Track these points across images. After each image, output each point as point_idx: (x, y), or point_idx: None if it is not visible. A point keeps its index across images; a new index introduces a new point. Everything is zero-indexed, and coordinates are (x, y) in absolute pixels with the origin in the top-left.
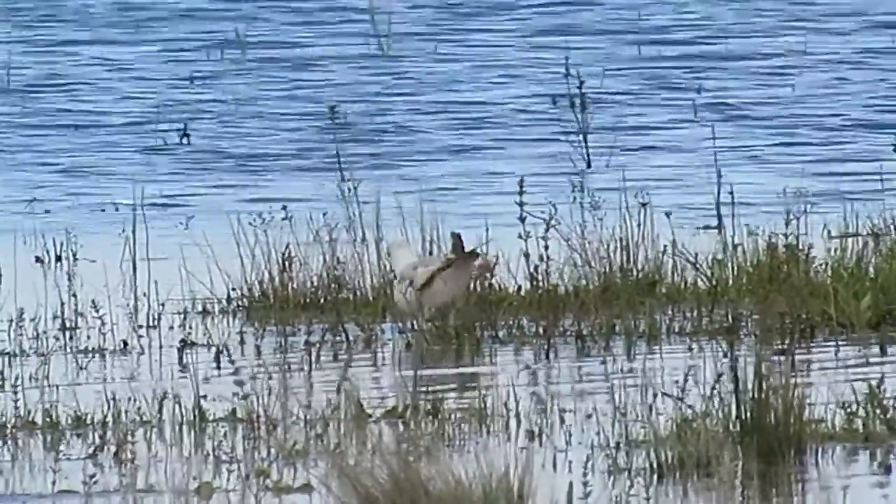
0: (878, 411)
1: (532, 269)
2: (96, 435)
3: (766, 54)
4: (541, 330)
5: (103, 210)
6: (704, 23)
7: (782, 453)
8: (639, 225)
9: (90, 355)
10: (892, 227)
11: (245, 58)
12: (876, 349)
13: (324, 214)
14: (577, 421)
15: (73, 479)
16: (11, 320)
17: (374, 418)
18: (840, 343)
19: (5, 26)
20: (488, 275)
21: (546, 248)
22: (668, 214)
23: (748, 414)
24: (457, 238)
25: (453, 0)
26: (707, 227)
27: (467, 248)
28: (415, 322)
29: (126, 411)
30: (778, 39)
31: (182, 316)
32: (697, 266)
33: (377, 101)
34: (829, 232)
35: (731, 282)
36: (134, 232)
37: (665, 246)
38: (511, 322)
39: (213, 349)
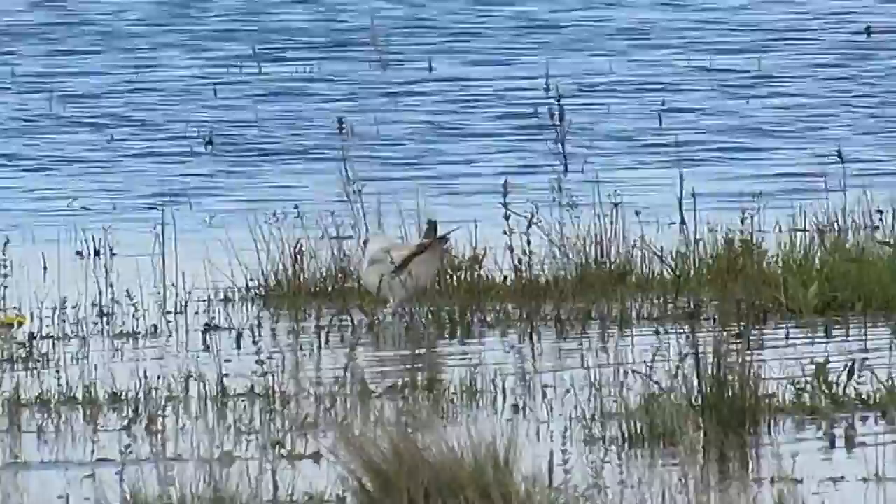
0: (823, 387)
1: (516, 262)
2: (130, 409)
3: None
4: (524, 315)
5: (137, 208)
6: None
7: (739, 425)
8: (611, 222)
9: (124, 338)
10: (835, 224)
11: (261, 72)
12: (822, 332)
13: (331, 213)
14: (556, 396)
15: (110, 448)
16: (55, 307)
17: (377, 394)
18: (790, 327)
19: (46, 38)
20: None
21: (528, 242)
22: (637, 213)
23: (708, 390)
24: (432, 224)
25: (445, 25)
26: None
27: (440, 234)
28: (390, 304)
29: (156, 388)
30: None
31: (206, 303)
32: (663, 258)
33: (378, 112)
34: (779, 228)
35: (692, 272)
36: (163, 228)
37: (634, 241)
38: (498, 308)
39: (234, 333)
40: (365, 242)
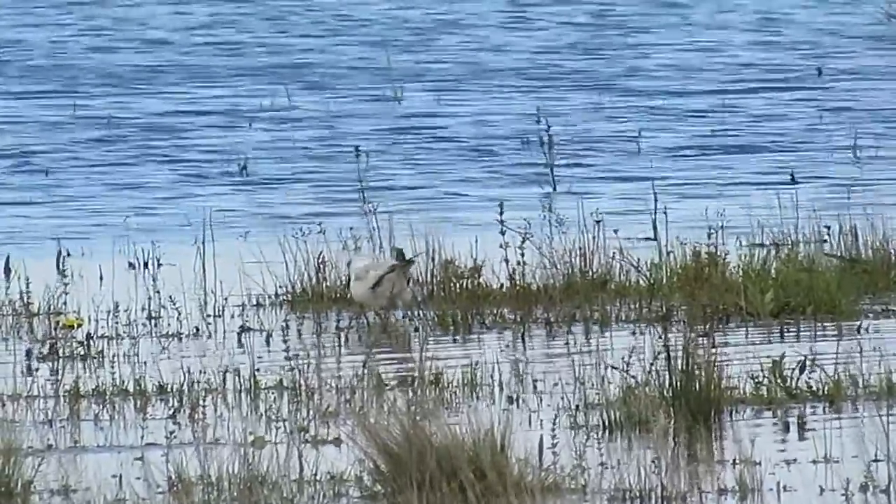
0: (778, 381)
1: (511, 271)
2: (175, 399)
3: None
4: (518, 318)
5: (181, 226)
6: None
7: (705, 414)
8: (594, 237)
9: (170, 338)
10: (788, 239)
11: (291, 105)
12: (777, 333)
13: (350, 229)
14: (546, 388)
15: (158, 434)
16: (109, 311)
17: (390, 386)
18: (749, 328)
19: (107, 80)
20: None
21: (522, 254)
22: (615, 231)
23: (678, 383)
24: (399, 252)
25: (452, 61)
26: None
27: (407, 258)
28: (369, 311)
29: (198, 381)
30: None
31: (241, 307)
32: (639, 268)
33: (391, 140)
34: (740, 242)
35: (665, 281)
36: (204, 242)
37: (614, 253)
38: (495, 312)
39: (265, 333)
40: (348, 263)
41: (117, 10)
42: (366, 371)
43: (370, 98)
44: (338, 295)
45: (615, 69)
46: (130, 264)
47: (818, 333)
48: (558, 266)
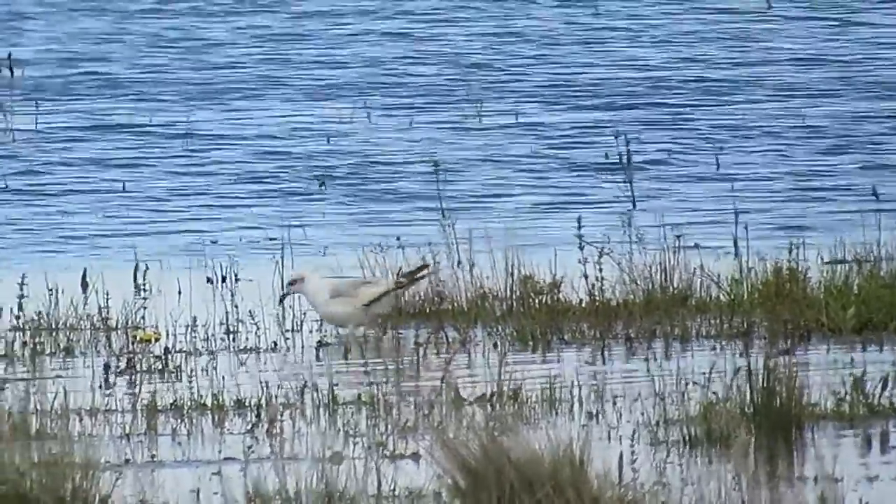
0: (860, 397)
1: (590, 287)
2: (253, 414)
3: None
4: (597, 334)
5: (259, 241)
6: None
7: (786, 430)
8: (674, 252)
9: (248, 353)
10: (871, 254)
11: (370, 121)
12: (859, 349)
13: (429, 244)
14: (626, 404)
15: (235, 448)
16: (188, 326)
17: (469, 402)
18: (831, 344)
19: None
20: None
21: (601, 270)
22: (696, 245)
23: (759, 399)
24: (422, 266)
25: (531, 88)
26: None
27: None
28: (350, 330)
29: (276, 396)
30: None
31: (319, 322)
32: (720, 284)
33: (472, 158)
34: (822, 258)
35: (746, 296)
36: (282, 258)
37: (694, 269)
38: (574, 328)
39: (343, 348)
40: (293, 282)
41: (193, 22)
42: (444, 386)
43: (448, 113)
44: (416, 310)
45: (690, 82)
46: (208, 279)
47: None
48: (638, 282)
